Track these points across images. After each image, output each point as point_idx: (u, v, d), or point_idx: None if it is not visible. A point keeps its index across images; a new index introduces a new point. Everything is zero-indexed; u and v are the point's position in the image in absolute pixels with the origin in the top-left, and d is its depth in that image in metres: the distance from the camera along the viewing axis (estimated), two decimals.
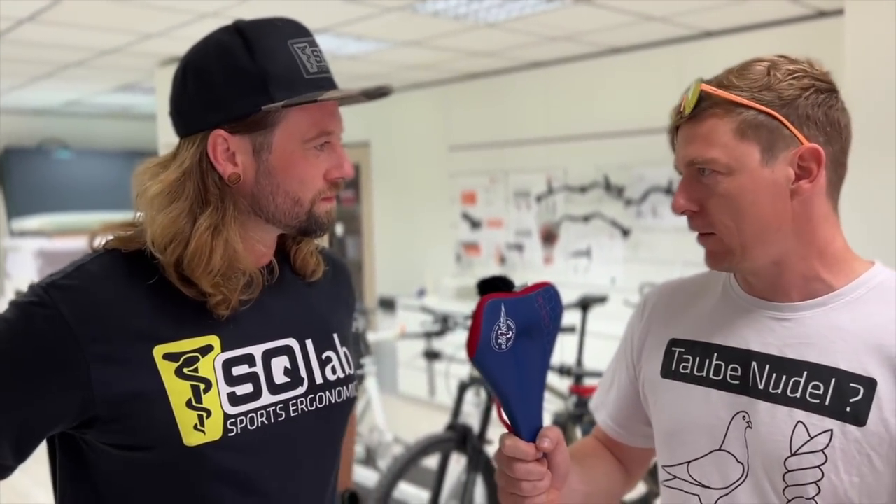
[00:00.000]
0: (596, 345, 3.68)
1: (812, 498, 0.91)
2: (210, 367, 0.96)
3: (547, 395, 3.39)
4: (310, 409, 1.05)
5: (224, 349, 0.97)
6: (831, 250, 0.97)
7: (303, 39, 0.99)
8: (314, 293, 1.13)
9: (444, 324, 3.57)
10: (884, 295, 0.95)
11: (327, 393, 1.08)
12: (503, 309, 0.91)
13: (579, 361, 3.37)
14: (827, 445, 0.90)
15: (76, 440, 0.96)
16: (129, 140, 7.28)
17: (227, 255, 0.96)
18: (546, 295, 0.96)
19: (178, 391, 0.93)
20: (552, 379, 3.41)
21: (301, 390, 1.04)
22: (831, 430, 0.90)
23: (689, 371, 1.04)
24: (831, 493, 0.90)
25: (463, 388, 3.55)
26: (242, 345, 1.00)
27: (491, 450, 3.08)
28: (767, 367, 0.97)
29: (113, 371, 0.90)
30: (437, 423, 3.41)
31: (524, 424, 0.96)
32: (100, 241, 0.99)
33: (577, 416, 3.10)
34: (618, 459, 1.21)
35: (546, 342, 0.98)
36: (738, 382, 0.99)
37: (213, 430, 0.94)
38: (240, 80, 0.95)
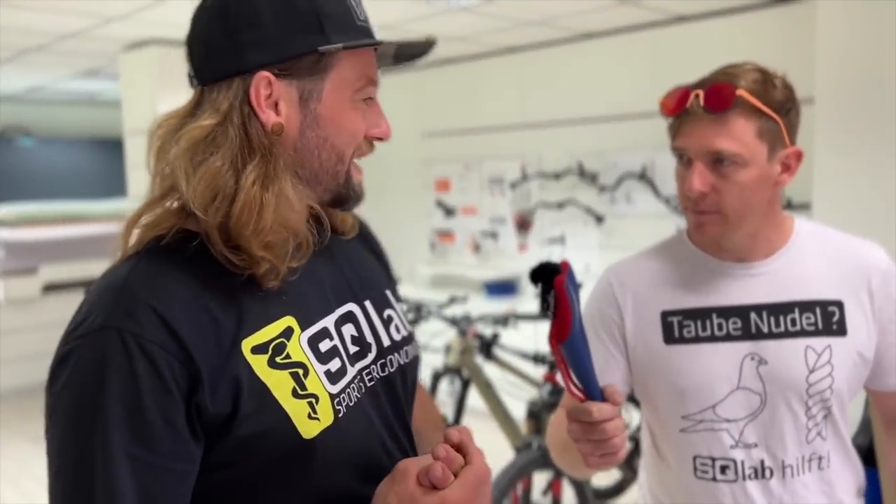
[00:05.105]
0: None
1: (829, 398, 1.20)
2: (298, 349, 0.87)
3: (521, 383, 3.38)
4: (381, 374, 0.97)
5: (303, 327, 0.88)
6: (778, 218, 1.26)
7: None
8: (353, 252, 1.05)
9: (418, 312, 3.53)
10: (810, 239, 1.26)
11: (396, 355, 1.01)
12: (571, 286, 0.96)
13: None
14: (831, 357, 1.19)
15: (209, 479, 0.84)
16: (94, 127, 7.11)
17: (279, 211, 0.84)
18: (569, 269, 1.00)
19: (278, 384, 0.83)
20: (526, 367, 3.39)
21: (371, 357, 0.97)
22: (830, 345, 1.20)
23: (693, 334, 1.23)
24: (838, 388, 1.20)
25: (437, 377, 3.51)
26: (315, 319, 0.91)
27: None
28: (764, 313, 1.21)
29: (214, 386, 0.79)
30: None
31: (595, 388, 1.03)
32: (133, 242, 0.86)
33: (551, 404, 3.07)
34: None
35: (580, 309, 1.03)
36: (740, 332, 1.22)
37: (326, 415, 0.86)
38: (293, 18, 0.85)
